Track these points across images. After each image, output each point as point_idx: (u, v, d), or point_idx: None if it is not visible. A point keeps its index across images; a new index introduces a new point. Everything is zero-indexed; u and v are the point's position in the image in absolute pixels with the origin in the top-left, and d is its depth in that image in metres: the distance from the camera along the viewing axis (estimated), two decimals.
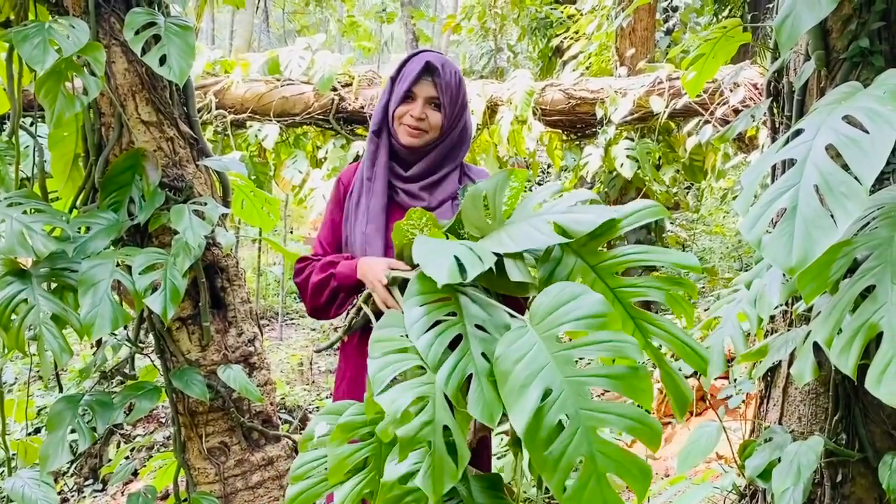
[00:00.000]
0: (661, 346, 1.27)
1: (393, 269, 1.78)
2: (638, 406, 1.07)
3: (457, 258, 1.23)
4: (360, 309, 1.87)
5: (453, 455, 1.11)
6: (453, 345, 1.26)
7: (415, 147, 2.11)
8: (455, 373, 1.13)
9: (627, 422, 1.04)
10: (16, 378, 6.95)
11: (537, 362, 1.07)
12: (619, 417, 1.04)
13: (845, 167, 1.33)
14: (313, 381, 8.23)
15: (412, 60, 2.13)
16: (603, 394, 5.55)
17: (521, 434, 1.02)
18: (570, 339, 1.15)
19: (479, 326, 1.23)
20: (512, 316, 1.27)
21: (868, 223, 1.55)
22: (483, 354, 1.16)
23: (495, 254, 1.29)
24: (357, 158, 5.79)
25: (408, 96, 2.10)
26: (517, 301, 1.64)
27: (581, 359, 1.11)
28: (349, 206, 2.17)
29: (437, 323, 1.21)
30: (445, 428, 1.12)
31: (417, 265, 1.65)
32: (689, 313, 1.26)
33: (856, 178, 1.29)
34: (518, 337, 1.13)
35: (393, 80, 2.15)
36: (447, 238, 1.50)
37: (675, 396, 1.21)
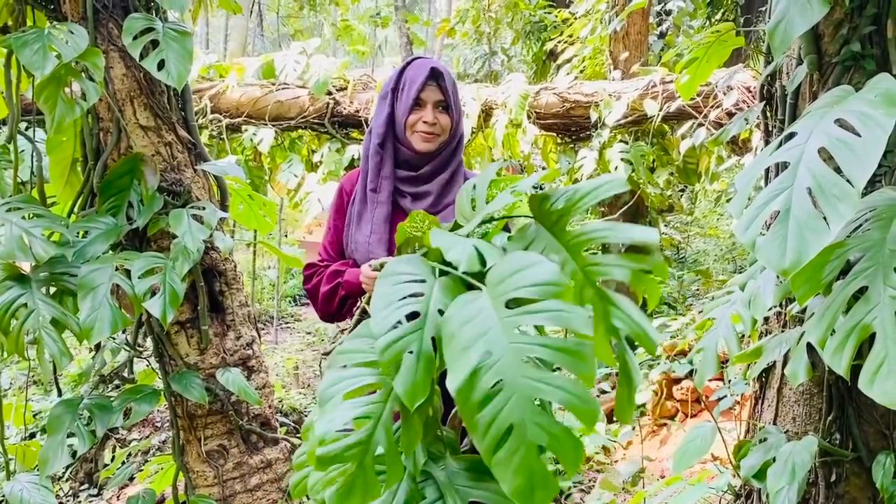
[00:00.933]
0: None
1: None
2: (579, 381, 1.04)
3: (476, 248, 1.22)
4: (364, 311, 1.88)
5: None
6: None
7: (430, 152, 2.14)
8: (395, 345, 1.10)
9: (564, 395, 1.00)
10: (11, 382, 6.94)
11: (484, 325, 1.05)
12: (556, 389, 1.00)
13: (837, 170, 1.35)
14: (309, 385, 8.23)
15: (411, 68, 2.16)
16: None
17: (454, 394, 0.99)
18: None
19: (441, 311, 1.20)
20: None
21: (860, 225, 1.57)
22: (433, 339, 1.14)
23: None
24: (353, 162, 5.81)
25: (417, 104, 2.13)
26: None
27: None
28: (351, 213, 2.20)
29: (402, 299, 1.18)
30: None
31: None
32: (653, 292, 1.25)
33: (848, 180, 1.31)
34: (471, 300, 1.11)
35: (394, 90, 2.18)
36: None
37: (622, 396, 1.18)
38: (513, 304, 1.09)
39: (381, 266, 1.76)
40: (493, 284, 1.12)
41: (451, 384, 0.99)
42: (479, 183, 1.44)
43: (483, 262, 1.20)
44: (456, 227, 1.42)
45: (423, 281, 1.18)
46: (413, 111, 2.13)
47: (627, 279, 1.19)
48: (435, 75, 2.13)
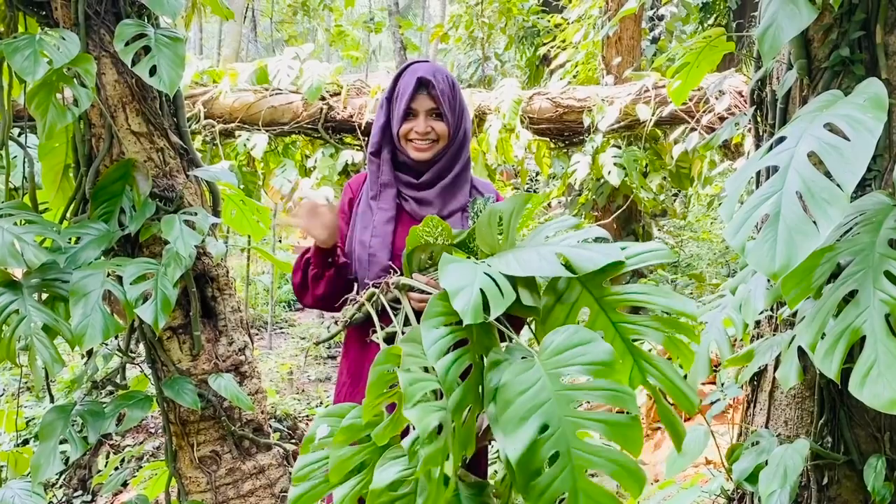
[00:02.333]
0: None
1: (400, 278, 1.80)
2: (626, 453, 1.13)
3: (482, 292, 1.26)
4: (361, 305, 1.87)
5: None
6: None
7: (427, 160, 2.14)
8: (460, 404, 1.18)
9: (615, 467, 1.12)
10: (3, 389, 6.92)
11: (540, 397, 1.13)
12: (607, 461, 1.11)
13: (827, 174, 1.35)
14: (303, 390, 8.21)
15: (404, 76, 2.14)
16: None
17: (513, 462, 1.07)
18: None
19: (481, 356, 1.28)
20: (519, 345, 1.32)
21: (850, 229, 1.58)
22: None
23: (506, 276, 1.33)
24: (347, 167, 5.81)
25: (408, 113, 2.12)
26: (519, 319, 1.68)
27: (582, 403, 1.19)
28: (354, 214, 2.20)
29: (455, 346, 1.25)
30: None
31: (426, 270, 1.69)
32: (688, 358, 1.31)
33: (837, 184, 1.32)
34: (525, 369, 1.18)
35: (388, 99, 2.17)
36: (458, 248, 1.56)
37: (672, 432, 1.27)
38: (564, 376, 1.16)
39: (403, 287, 1.76)
40: (548, 355, 1.18)
41: (511, 453, 1.06)
42: (507, 214, 1.47)
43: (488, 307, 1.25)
44: (465, 240, 1.45)
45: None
46: (405, 121, 2.12)
47: (661, 343, 1.26)
48: (424, 84, 2.10)
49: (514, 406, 1.12)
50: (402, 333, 1.56)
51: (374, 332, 1.70)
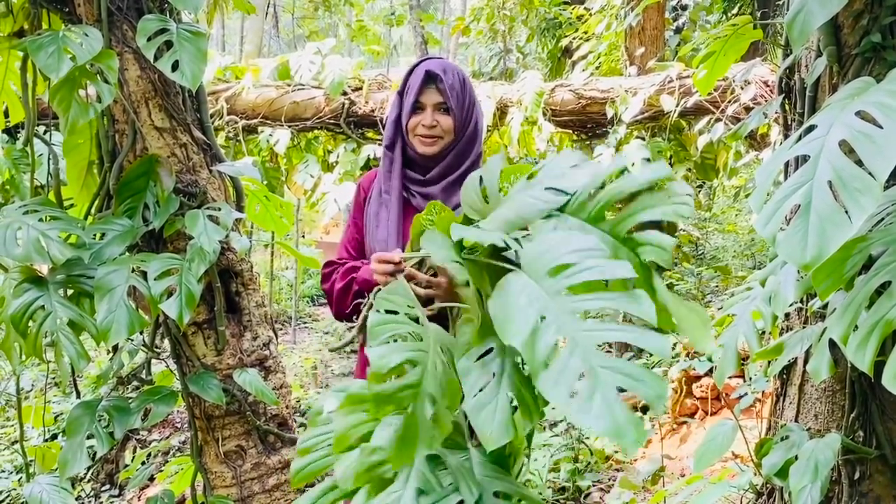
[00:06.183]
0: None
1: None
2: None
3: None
4: (371, 305, 1.86)
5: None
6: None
7: (432, 154, 2.14)
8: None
9: (627, 334, 1.00)
10: (32, 384, 7.00)
11: (531, 296, 1.04)
12: (619, 332, 0.99)
13: (859, 163, 1.32)
14: (327, 385, 8.25)
15: (414, 72, 2.17)
16: None
17: (521, 349, 0.98)
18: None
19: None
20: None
21: (883, 219, 1.55)
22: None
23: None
24: (369, 162, 5.81)
25: (416, 107, 2.15)
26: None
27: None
28: (368, 213, 2.21)
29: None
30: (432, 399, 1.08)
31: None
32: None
33: (870, 173, 1.29)
34: (512, 280, 1.10)
35: (400, 93, 2.20)
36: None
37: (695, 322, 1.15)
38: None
39: (383, 259, 1.76)
40: (530, 263, 1.11)
41: (517, 341, 0.98)
42: (488, 175, 1.42)
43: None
44: (467, 221, 1.41)
45: None
46: (413, 114, 2.15)
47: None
48: (432, 77, 2.13)
49: (509, 307, 1.04)
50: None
51: None
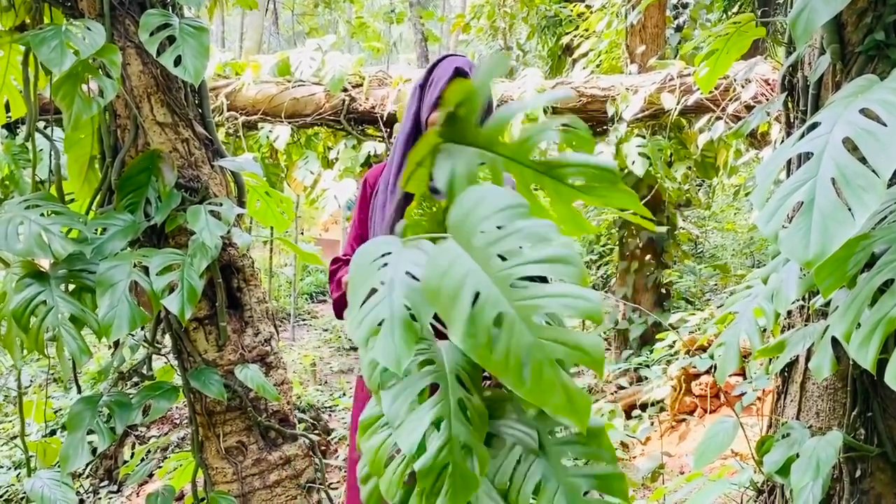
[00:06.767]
0: None
1: None
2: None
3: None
4: None
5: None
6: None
7: None
8: (365, 321, 1.04)
9: (564, 300, 0.98)
10: (31, 380, 7.00)
11: (462, 270, 1.01)
12: (554, 298, 0.98)
13: (862, 160, 1.32)
14: (326, 382, 8.25)
15: (441, 65, 2.15)
16: None
17: (460, 345, 0.96)
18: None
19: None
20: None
21: (886, 217, 1.55)
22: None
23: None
24: (369, 159, 5.81)
25: (440, 102, 2.12)
26: None
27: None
28: (374, 205, 2.20)
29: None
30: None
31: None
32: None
33: (873, 170, 1.29)
34: (441, 251, 1.06)
35: (422, 87, 2.17)
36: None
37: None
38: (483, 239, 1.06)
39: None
40: (457, 227, 1.08)
41: (455, 337, 0.96)
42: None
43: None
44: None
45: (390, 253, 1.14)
46: (435, 109, 2.12)
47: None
48: (461, 74, 2.10)
49: (442, 291, 0.98)
50: None
51: None
